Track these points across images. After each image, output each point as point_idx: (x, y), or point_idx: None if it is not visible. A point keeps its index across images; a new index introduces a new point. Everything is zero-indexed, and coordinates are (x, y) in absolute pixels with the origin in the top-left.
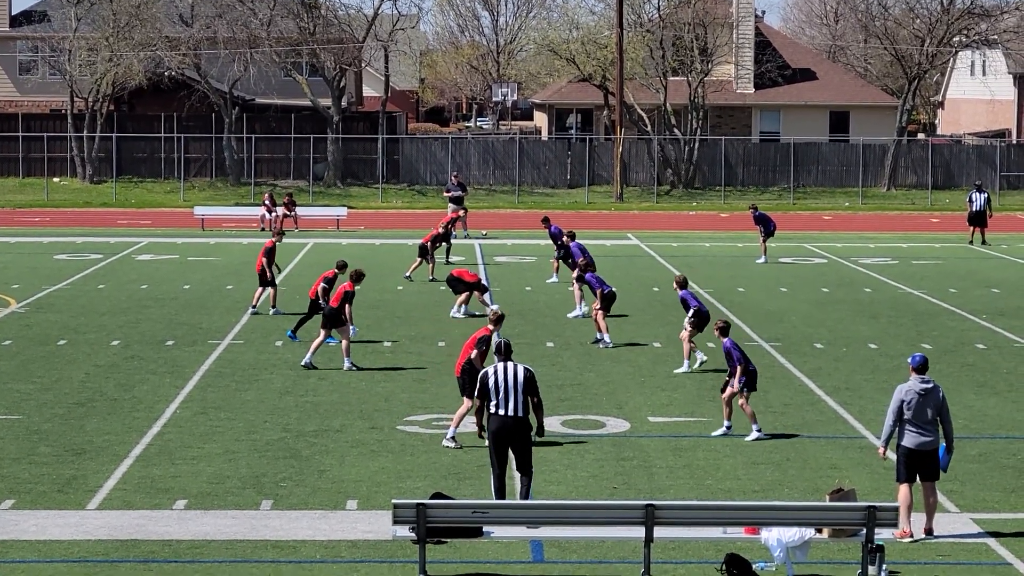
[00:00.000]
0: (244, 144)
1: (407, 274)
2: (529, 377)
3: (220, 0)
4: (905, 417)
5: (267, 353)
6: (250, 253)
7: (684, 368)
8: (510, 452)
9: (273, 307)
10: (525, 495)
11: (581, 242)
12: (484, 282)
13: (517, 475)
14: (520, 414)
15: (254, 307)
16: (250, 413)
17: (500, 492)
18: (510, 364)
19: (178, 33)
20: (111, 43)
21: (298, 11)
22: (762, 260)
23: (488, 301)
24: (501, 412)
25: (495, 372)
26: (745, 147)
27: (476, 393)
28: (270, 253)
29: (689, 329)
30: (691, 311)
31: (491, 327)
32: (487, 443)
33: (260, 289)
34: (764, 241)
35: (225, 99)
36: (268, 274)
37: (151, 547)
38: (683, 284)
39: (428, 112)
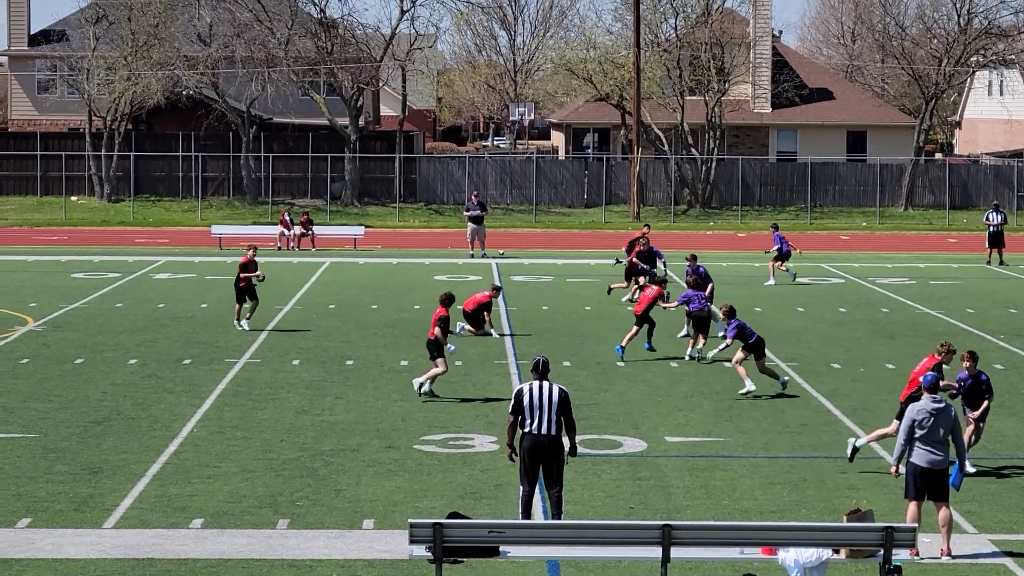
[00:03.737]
0: (261, 163)
1: (620, 293)
2: (563, 397)
3: (238, 19)
4: (917, 436)
5: (284, 372)
6: (267, 272)
7: (748, 386)
8: (540, 471)
9: (248, 319)
10: (557, 507)
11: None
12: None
13: (537, 496)
14: (553, 433)
15: (238, 321)
16: (267, 432)
17: (527, 511)
18: (545, 383)
19: (196, 52)
20: (129, 62)
21: (316, 30)
22: (770, 283)
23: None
24: (534, 431)
25: (530, 390)
26: (762, 167)
27: (510, 410)
28: (247, 268)
29: (742, 355)
30: (751, 338)
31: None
32: (518, 461)
33: (238, 305)
34: (774, 262)
35: (243, 118)
36: (242, 283)
37: (167, 566)
38: (731, 314)
39: (445, 131)
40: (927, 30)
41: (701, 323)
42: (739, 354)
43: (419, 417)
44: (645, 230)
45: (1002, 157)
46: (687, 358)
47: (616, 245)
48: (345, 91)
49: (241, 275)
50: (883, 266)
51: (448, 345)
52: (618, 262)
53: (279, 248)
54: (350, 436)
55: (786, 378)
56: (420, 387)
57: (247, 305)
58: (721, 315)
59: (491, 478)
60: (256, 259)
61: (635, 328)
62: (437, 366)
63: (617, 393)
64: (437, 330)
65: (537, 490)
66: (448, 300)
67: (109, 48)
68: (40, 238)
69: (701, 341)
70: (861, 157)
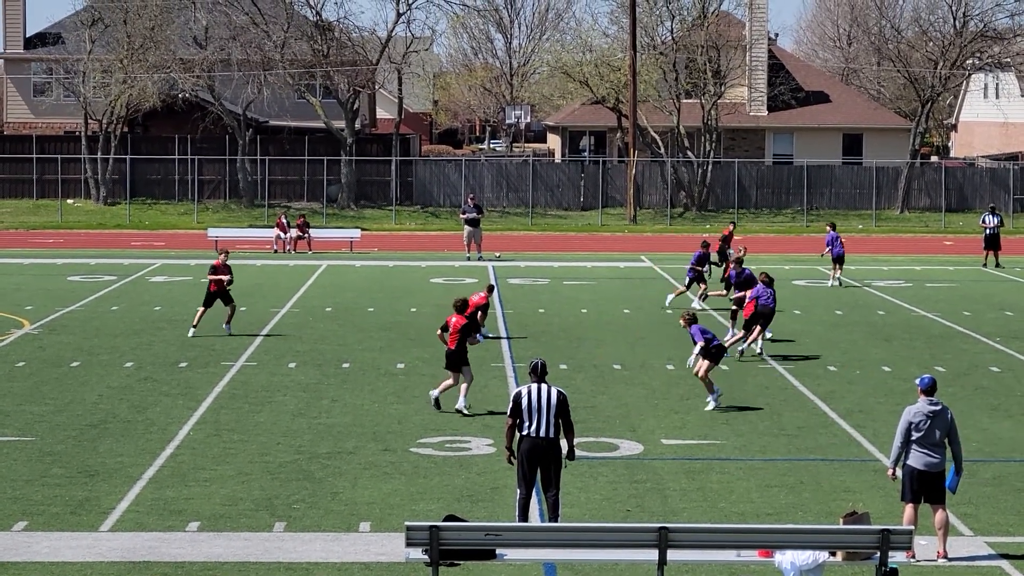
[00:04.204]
0: (258, 166)
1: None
2: (562, 400)
3: (234, 22)
4: (913, 438)
5: (280, 375)
6: (263, 275)
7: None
8: (538, 474)
9: (227, 323)
10: (554, 510)
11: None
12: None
13: (534, 500)
14: (552, 435)
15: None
16: (263, 435)
17: (524, 513)
18: (544, 386)
19: (192, 55)
20: (125, 65)
21: (312, 33)
22: (832, 283)
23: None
24: (533, 433)
25: (528, 393)
26: (758, 169)
27: (508, 412)
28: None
29: (705, 363)
30: (698, 345)
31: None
32: (516, 463)
33: (202, 309)
34: (835, 266)
35: (239, 121)
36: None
37: (164, 569)
38: (692, 320)
39: (441, 134)
40: (923, 33)
41: (764, 318)
42: (703, 363)
43: (415, 420)
44: (731, 227)
45: (998, 160)
46: (738, 354)
47: (615, 248)
48: (341, 94)
49: (212, 278)
50: (879, 269)
51: (478, 336)
52: (710, 267)
53: (275, 251)
54: (346, 439)
55: (721, 394)
56: (435, 400)
57: (227, 309)
58: (682, 322)
59: (488, 481)
60: (228, 263)
61: (756, 328)
62: (452, 379)
63: (614, 396)
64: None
65: (534, 493)
66: (463, 306)
67: (105, 51)
68: (36, 241)
69: (758, 334)
70: (857, 160)
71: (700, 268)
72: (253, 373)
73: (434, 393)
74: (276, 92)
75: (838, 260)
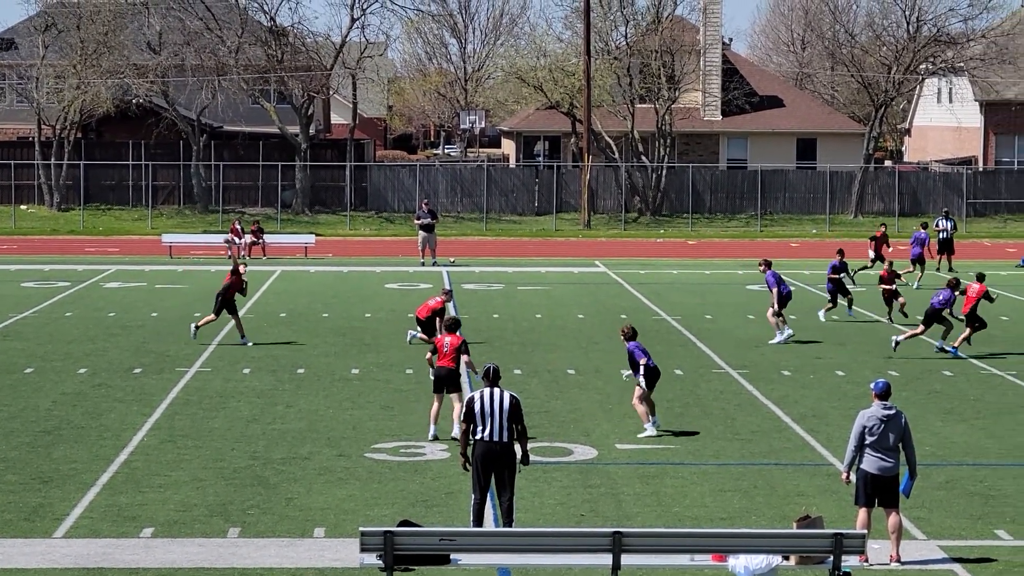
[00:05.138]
0: (212, 171)
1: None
2: (514, 404)
3: (188, 28)
4: (867, 443)
5: (234, 381)
6: (218, 281)
7: (649, 431)
8: (492, 479)
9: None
10: (508, 515)
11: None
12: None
13: (489, 503)
14: (505, 440)
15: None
16: (217, 441)
17: (479, 518)
18: (496, 390)
19: (146, 60)
20: (79, 70)
21: (266, 39)
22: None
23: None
24: (486, 438)
25: (480, 398)
26: (712, 174)
27: (462, 417)
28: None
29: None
30: (640, 367)
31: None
32: (471, 468)
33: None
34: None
35: (193, 126)
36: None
37: (118, 575)
38: (631, 336)
39: (396, 139)
40: (876, 38)
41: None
42: (636, 389)
43: (370, 425)
44: (883, 229)
45: (951, 164)
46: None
47: (569, 253)
48: (295, 99)
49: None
50: None
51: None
52: (854, 274)
53: (229, 257)
54: (301, 444)
55: (657, 421)
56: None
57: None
58: (622, 335)
59: (442, 486)
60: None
61: (967, 329)
62: (437, 402)
63: (568, 401)
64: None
65: (489, 498)
66: (454, 325)
67: (58, 56)
68: None
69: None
70: (811, 164)
71: (836, 277)
72: (207, 379)
73: (432, 430)
74: (230, 97)
75: (917, 261)
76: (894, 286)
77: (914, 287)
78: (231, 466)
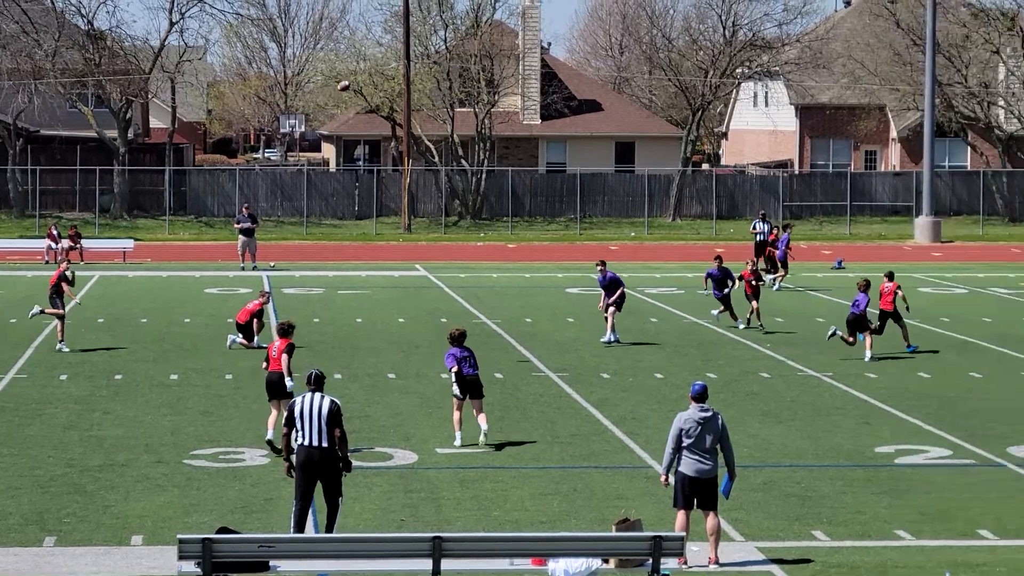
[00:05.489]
0: (29, 176)
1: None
2: (333, 410)
3: (3, 30)
4: (684, 445)
5: (51, 387)
6: (35, 286)
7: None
8: (317, 485)
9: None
10: (331, 527)
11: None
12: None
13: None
14: (325, 445)
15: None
16: (33, 448)
17: (300, 525)
18: (317, 395)
19: None
20: None
21: (84, 42)
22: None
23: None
24: (306, 443)
25: (301, 402)
26: (532, 178)
27: (284, 421)
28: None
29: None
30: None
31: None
32: (294, 474)
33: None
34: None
35: (9, 130)
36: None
37: None
38: (459, 339)
39: (216, 143)
40: (693, 42)
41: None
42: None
43: (189, 431)
44: (775, 232)
45: (767, 167)
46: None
47: (390, 257)
48: (114, 103)
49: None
50: (652, 276)
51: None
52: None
53: (46, 262)
54: (119, 451)
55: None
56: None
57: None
58: (449, 339)
59: (262, 492)
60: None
61: None
62: (276, 408)
63: (388, 405)
64: (285, 360)
65: (311, 507)
66: (289, 329)
67: None
68: None
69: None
70: (629, 168)
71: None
72: (23, 386)
73: (269, 434)
74: (47, 101)
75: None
76: (760, 283)
77: (774, 288)
78: (47, 474)
